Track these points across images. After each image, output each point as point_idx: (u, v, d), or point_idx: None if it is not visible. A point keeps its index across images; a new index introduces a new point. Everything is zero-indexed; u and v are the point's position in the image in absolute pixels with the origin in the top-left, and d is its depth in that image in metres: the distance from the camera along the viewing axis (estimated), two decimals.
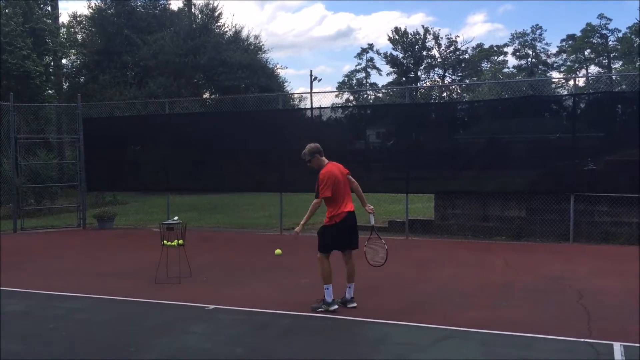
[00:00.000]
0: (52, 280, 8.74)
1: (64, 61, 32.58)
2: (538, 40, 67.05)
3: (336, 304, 6.70)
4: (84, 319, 6.67)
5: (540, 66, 65.78)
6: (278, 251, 6.84)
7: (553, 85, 49.50)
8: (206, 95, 33.45)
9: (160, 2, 35.54)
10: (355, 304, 6.82)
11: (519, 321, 6.23)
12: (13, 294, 7.86)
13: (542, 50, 67.44)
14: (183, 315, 6.79)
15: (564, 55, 65.75)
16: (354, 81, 74.64)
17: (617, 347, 5.31)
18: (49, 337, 5.94)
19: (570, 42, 64.41)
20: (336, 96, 57.89)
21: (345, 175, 6.90)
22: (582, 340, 5.55)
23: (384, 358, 5.22)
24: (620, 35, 60.08)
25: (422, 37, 67.47)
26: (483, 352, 5.32)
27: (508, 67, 67.45)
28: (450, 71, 67.84)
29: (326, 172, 6.73)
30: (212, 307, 7.01)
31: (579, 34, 63.15)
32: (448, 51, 67.21)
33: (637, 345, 5.39)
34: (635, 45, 53.41)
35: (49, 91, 29.93)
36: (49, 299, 7.66)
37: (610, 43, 61.96)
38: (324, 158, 6.90)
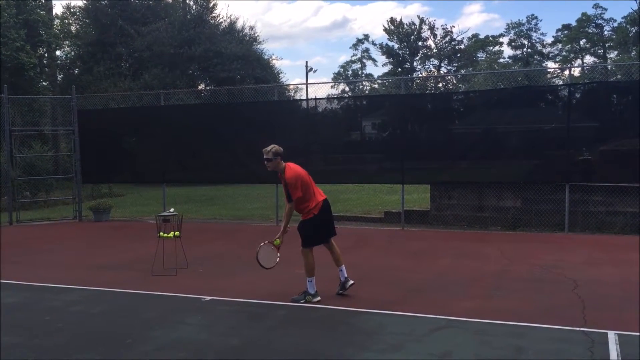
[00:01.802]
0: (48, 273, 8.73)
1: (58, 53, 32.43)
2: (533, 30, 67.20)
3: (319, 296, 6.74)
4: (80, 310, 6.67)
5: (535, 56, 65.87)
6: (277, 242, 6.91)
7: (548, 76, 49.57)
8: (201, 86, 33.33)
9: None
10: (352, 281, 6.90)
11: (514, 310, 6.27)
12: (9, 286, 7.85)
13: (537, 40, 67.60)
14: (179, 306, 6.80)
15: (560, 45, 65.84)
16: (350, 72, 74.68)
17: (612, 336, 5.34)
18: (45, 329, 5.94)
19: (565, 32, 64.45)
20: (332, 87, 57.84)
21: (305, 170, 6.98)
22: (576, 329, 5.59)
23: (380, 348, 5.24)
24: (615, 25, 60.21)
25: (417, 27, 67.43)
26: (478, 341, 5.35)
27: (503, 58, 67.61)
28: (445, 61, 67.81)
29: (293, 174, 6.76)
30: (208, 298, 7.03)
31: (574, 23, 63.26)
32: (444, 41, 67.22)
33: (632, 333, 5.42)
34: (630, 35, 53.46)
35: (43, 83, 29.82)
36: (45, 291, 7.66)
37: (605, 33, 62.07)
38: (282, 162, 6.91)
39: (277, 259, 6.96)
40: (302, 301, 6.69)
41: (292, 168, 6.85)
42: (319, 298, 6.72)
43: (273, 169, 6.93)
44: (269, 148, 6.89)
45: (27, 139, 18.28)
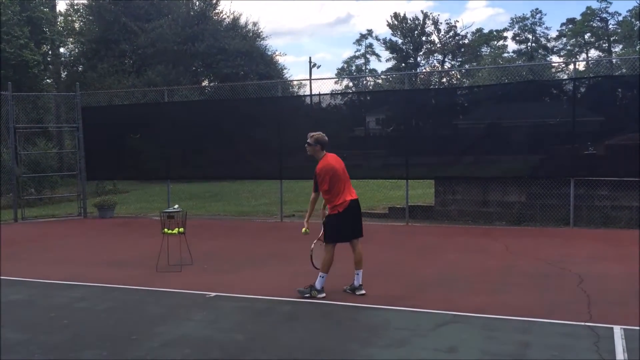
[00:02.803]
0: (53, 269, 8.76)
1: (61, 50, 32.49)
2: (538, 24, 66.84)
3: (324, 293, 6.73)
4: (86, 307, 6.69)
5: (540, 50, 65.55)
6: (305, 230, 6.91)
7: (553, 70, 49.42)
8: (205, 83, 33.36)
9: None
10: (364, 291, 6.83)
11: (519, 305, 6.25)
12: (14, 283, 7.88)
13: (542, 34, 67.25)
14: (184, 302, 6.81)
15: (564, 40, 65.49)
16: (353, 67, 74.50)
17: (618, 331, 5.33)
18: (50, 326, 5.96)
19: (570, 26, 64.12)
20: (335, 83, 57.81)
21: (343, 165, 6.93)
22: (582, 324, 5.58)
23: (385, 343, 5.24)
24: (620, 18, 59.82)
25: (421, 22, 67.22)
26: (484, 337, 5.34)
27: (508, 52, 67.30)
28: (449, 56, 67.64)
29: (323, 166, 6.74)
30: (213, 294, 7.03)
31: (579, 17, 62.90)
32: (447, 36, 67.01)
33: (637, 328, 5.41)
34: (635, 28, 53.16)
35: (47, 80, 29.85)
36: (50, 287, 7.68)
37: (610, 26, 61.69)
38: (324, 151, 6.88)
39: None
40: (307, 295, 6.69)
41: (327, 160, 6.80)
42: (324, 295, 6.71)
43: (311, 154, 6.92)
44: (313, 133, 6.90)
45: (31, 136, 18.33)
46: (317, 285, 6.73)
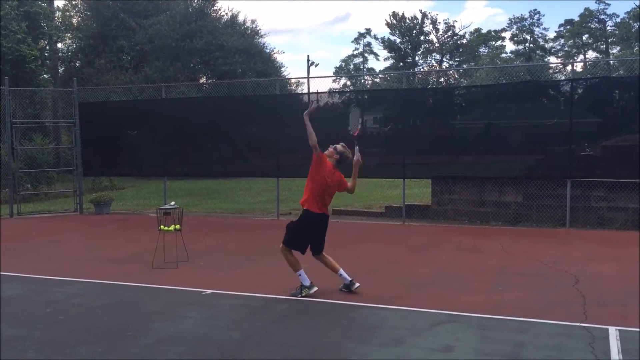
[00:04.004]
0: (49, 265, 8.74)
1: (59, 45, 32.39)
2: (536, 25, 66.94)
3: (315, 286, 6.76)
4: (82, 303, 6.67)
5: (538, 51, 65.65)
6: None
7: (551, 71, 49.53)
8: (203, 80, 33.28)
9: None
10: (358, 284, 6.85)
11: (515, 305, 6.26)
12: (10, 278, 7.85)
13: (540, 35, 67.36)
14: (180, 299, 6.80)
15: (562, 41, 65.63)
16: (351, 66, 74.49)
17: (613, 331, 5.34)
18: (46, 322, 5.94)
19: (568, 27, 64.23)
20: (333, 81, 57.73)
21: (337, 182, 6.99)
22: (577, 324, 5.59)
23: (381, 342, 5.24)
24: (618, 20, 59.98)
25: (419, 21, 67.20)
26: (479, 336, 5.34)
27: (506, 52, 67.42)
28: (447, 56, 67.66)
29: (324, 162, 6.88)
30: (209, 291, 7.03)
31: (577, 18, 63.02)
32: (446, 36, 67.02)
33: (632, 329, 5.42)
34: (633, 30, 53.31)
35: (45, 75, 29.79)
36: (46, 283, 7.66)
37: (608, 28, 61.83)
38: (332, 163, 6.99)
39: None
40: (300, 295, 6.69)
41: (329, 165, 6.95)
42: (316, 289, 6.72)
43: (328, 155, 7.08)
44: (344, 147, 7.17)
45: (28, 132, 18.27)
46: (304, 282, 6.75)
